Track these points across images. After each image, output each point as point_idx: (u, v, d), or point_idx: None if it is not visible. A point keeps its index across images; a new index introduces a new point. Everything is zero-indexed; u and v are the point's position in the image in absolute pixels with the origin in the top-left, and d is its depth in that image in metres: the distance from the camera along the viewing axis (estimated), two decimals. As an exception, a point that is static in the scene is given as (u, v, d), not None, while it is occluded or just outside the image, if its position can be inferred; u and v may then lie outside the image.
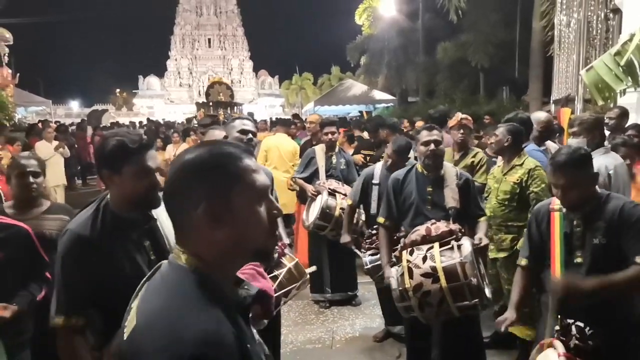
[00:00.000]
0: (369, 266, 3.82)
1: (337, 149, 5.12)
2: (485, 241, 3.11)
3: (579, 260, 2.33)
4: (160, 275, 1.06)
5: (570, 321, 2.25)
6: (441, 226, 2.93)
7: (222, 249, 1.02)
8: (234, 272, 1.09)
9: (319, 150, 5.12)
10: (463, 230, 2.99)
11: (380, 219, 3.47)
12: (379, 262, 3.73)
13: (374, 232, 3.92)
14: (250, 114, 13.06)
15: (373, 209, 4.21)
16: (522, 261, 2.62)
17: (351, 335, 4.41)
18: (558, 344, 2.12)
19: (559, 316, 2.31)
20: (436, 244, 2.83)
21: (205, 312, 0.94)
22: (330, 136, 4.99)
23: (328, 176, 4.98)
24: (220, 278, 1.03)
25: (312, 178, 5.04)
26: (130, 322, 1.00)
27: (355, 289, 5.09)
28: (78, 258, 1.78)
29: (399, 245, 3.18)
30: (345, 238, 4.31)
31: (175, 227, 1.07)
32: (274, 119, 15.09)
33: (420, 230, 2.97)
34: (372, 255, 3.86)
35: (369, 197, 4.25)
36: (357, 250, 4.25)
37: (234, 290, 1.07)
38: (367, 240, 3.98)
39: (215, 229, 1.00)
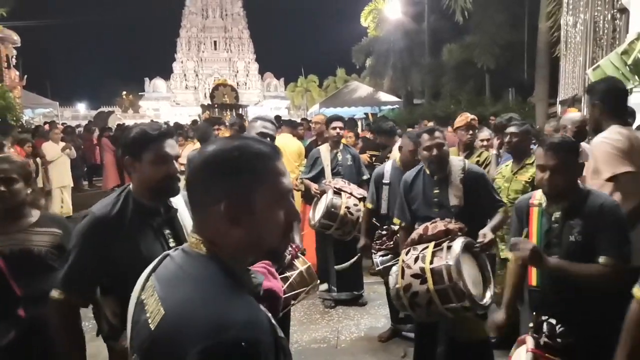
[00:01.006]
0: (380, 267, 3.78)
1: (341, 146, 5.09)
2: (489, 237, 2.93)
3: (555, 257, 2.28)
4: (176, 264, 1.05)
5: (545, 318, 2.24)
6: (439, 225, 2.87)
7: (237, 245, 1.02)
8: (247, 263, 1.11)
9: (324, 149, 5.11)
10: (464, 229, 2.90)
11: (396, 220, 3.47)
12: (389, 264, 3.69)
13: (384, 232, 3.91)
14: (240, 115, 12.69)
15: (384, 209, 4.19)
16: (508, 254, 2.63)
17: (356, 335, 4.40)
18: (529, 339, 2.14)
19: (535, 313, 2.29)
20: (431, 244, 2.79)
21: (241, 298, 0.96)
22: (338, 131, 4.96)
23: (334, 174, 4.96)
24: (238, 266, 1.05)
25: (318, 178, 5.02)
26: (154, 312, 0.99)
27: (361, 288, 5.06)
28: (94, 239, 1.84)
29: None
30: (361, 241, 4.24)
31: (194, 215, 1.08)
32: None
33: (419, 229, 2.94)
34: (382, 255, 3.82)
35: (380, 197, 4.22)
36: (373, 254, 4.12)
37: (250, 278, 1.09)
38: (377, 241, 3.94)
39: (232, 228, 1.00)
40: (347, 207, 4.53)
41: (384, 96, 20.62)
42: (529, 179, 3.61)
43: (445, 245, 2.73)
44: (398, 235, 3.77)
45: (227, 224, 1.00)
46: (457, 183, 3.13)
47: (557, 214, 2.32)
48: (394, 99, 21.09)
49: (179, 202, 1.97)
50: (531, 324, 2.26)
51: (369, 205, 4.31)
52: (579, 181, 2.35)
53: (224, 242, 1.02)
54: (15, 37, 13.98)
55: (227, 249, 1.02)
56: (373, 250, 3.96)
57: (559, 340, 2.15)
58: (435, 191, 3.18)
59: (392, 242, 3.81)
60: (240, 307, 0.93)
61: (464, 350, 3.06)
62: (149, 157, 1.87)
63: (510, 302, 2.54)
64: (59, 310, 1.86)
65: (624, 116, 2.92)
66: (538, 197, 2.43)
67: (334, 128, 4.99)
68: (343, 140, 5.36)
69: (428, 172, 3.24)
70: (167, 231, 1.93)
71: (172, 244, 1.89)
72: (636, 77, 4.23)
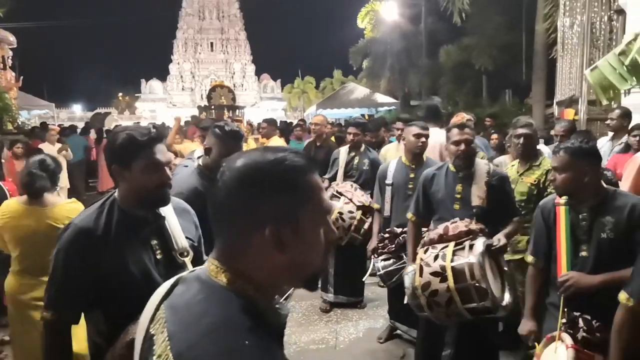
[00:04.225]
0: (382, 272, 3.66)
1: (362, 149, 5.02)
2: (502, 242, 2.94)
3: (584, 253, 2.36)
4: (191, 296, 0.91)
5: (577, 314, 2.24)
6: (460, 226, 2.86)
7: (277, 274, 0.92)
8: (276, 294, 0.99)
9: (343, 151, 5.10)
10: (485, 230, 2.89)
11: (408, 214, 3.43)
12: (391, 268, 3.63)
13: (387, 235, 3.82)
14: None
15: (386, 211, 4.08)
16: (529, 257, 2.65)
17: (355, 335, 4.39)
18: (566, 336, 2.13)
19: (565, 310, 2.30)
20: (451, 244, 2.76)
21: (258, 346, 0.83)
22: (351, 136, 4.96)
23: (348, 177, 4.94)
24: (264, 302, 0.92)
25: (335, 178, 5.03)
26: (163, 357, 0.86)
27: (361, 295, 5.01)
28: (79, 252, 1.73)
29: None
30: (371, 244, 4.10)
31: (220, 241, 0.94)
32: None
33: (439, 229, 2.92)
34: (384, 260, 3.69)
35: (383, 199, 4.12)
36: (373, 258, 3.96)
37: (277, 314, 0.96)
38: (379, 245, 3.84)
39: (277, 253, 0.88)
40: (340, 213, 4.44)
41: (381, 97, 20.62)
42: (535, 181, 3.59)
43: (467, 244, 2.72)
44: (401, 237, 3.71)
45: (269, 251, 0.88)
46: (482, 184, 3.11)
47: (584, 212, 2.38)
48: (391, 100, 21.09)
49: (167, 209, 1.88)
50: (563, 320, 2.27)
51: (376, 206, 4.22)
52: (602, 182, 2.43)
53: (260, 272, 0.90)
54: (12, 38, 13.90)
55: (260, 280, 0.90)
56: (374, 255, 3.82)
57: (598, 335, 2.14)
58: (458, 188, 3.16)
59: (393, 246, 3.70)
60: (254, 357, 0.81)
61: (470, 354, 3.03)
62: (139, 166, 1.75)
63: (535, 308, 2.57)
64: (50, 330, 1.75)
65: (432, 120, 4.59)
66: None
67: (349, 133, 5.00)
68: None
69: (452, 167, 3.21)
70: (154, 241, 1.82)
71: (159, 256, 1.81)
72: (634, 77, 4.22)
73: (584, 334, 2.16)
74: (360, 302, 4.99)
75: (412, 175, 3.96)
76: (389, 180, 4.05)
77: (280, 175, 0.89)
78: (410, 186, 3.92)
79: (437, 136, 4.24)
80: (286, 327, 3.29)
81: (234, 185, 0.90)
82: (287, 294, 2.82)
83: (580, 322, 2.20)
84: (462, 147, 3.09)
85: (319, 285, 2.92)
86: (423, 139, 3.86)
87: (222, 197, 0.92)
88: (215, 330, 0.83)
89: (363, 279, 4.88)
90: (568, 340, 2.11)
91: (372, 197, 4.48)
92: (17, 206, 3.09)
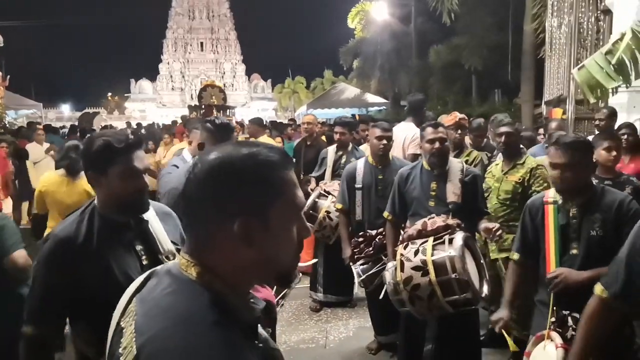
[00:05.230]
0: (363, 277, 3.60)
1: (349, 148, 5.01)
2: (497, 224, 2.98)
3: (574, 251, 2.36)
4: (161, 289, 0.91)
5: (566, 312, 2.25)
6: (438, 221, 2.91)
7: (246, 269, 0.90)
8: (249, 290, 0.97)
9: (331, 150, 5.10)
10: (461, 225, 2.95)
11: (385, 214, 3.46)
12: (372, 271, 3.58)
13: (361, 239, 3.75)
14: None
15: (358, 215, 3.98)
16: (514, 255, 2.64)
17: (345, 335, 4.39)
18: (555, 335, 2.13)
19: (554, 308, 2.31)
20: (430, 238, 2.82)
21: (222, 340, 0.82)
22: (338, 136, 4.98)
23: (336, 176, 4.92)
24: (234, 296, 0.90)
25: (323, 177, 5.02)
26: (128, 350, 0.85)
27: (350, 294, 5.00)
28: (59, 263, 1.69)
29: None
30: (346, 251, 3.92)
31: (190, 235, 0.94)
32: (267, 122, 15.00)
33: (417, 225, 2.97)
34: (362, 264, 3.63)
35: (353, 202, 4.02)
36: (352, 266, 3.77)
37: (250, 309, 0.94)
38: (355, 250, 3.77)
39: (245, 248, 0.88)
40: (327, 212, 4.44)
41: (371, 97, 20.66)
42: (519, 179, 3.61)
43: (446, 238, 2.77)
44: (377, 239, 3.66)
45: (238, 246, 0.87)
46: (456, 181, 3.17)
47: (574, 210, 2.38)
48: (382, 100, 21.16)
49: (149, 213, 1.85)
50: (553, 319, 2.27)
51: (339, 206, 4.12)
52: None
53: (229, 267, 0.89)
54: (-2, 37, 13.78)
55: (229, 275, 0.89)
56: (351, 262, 3.75)
57: None
58: (433, 185, 3.21)
59: (371, 249, 3.65)
60: (221, 353, 0.80)
61: (452, 349, 3.07)
62: (115, 172, 1.71)
63: (513, 300, 2.59)
64: (31, 345, 1.69)
65: (413, 115, 4.76)
66: (552, 194, 2.48)
67: (336, 133, 5.01)
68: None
69: (427, 165, 3.26)
70: (139, 247, 1.78)
71: (145, 261, 1.77)
72: (620, 76, 4.26)
73: (573, 333, 2.15)
74: (350, 301, 4.98)
75: (380, 177, 3.92)
76: (358, 184, 3.98)
77: (251, 169, 0.89)
78: (380, 187, 3.89)
79: (404, 131, 4.59)
80: (276, 327, 3.24)
81: (205, 178, 0.89)
82: (283, 293, 2.81)
83: (570, 321, 2.21)
84: (437, 145, 3.16)
85: (295, 282, 2.82)
86: (384, 141, 3.82)
87: (192, 190, 0.91)
88: (179, 323, 0.82)
89: (354, 290, 4.89)
90: (557, 339, 2.11)
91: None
92: (55, 177, 4.05)
